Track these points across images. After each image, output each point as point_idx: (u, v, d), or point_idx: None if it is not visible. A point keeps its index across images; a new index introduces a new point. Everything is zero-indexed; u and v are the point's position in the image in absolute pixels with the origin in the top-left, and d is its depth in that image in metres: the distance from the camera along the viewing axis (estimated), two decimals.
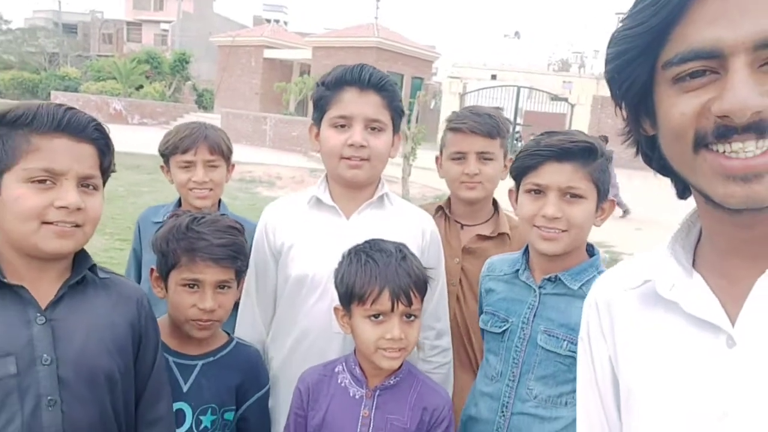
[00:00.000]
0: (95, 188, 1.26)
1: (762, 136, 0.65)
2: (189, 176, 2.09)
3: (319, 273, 1.68)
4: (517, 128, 25.09)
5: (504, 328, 1.59)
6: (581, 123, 24.86)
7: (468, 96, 25.43)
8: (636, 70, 0.74)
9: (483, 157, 1.98)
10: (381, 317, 1.42)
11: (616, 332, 0.88)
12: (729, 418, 0.71)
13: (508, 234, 2.04)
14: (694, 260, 0.82)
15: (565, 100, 26.53)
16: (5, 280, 1.20)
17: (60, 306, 1.25)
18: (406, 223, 1.77)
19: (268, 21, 45.20)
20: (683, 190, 0.81)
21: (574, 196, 1.48)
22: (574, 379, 1.44)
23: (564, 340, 1.48)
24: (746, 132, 0.65)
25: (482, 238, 2.03)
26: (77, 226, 1.21)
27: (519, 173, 1.57)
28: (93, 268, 1.33)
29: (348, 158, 1.65)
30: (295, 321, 1.72)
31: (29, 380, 1.18)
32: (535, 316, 1.54)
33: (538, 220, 1.49)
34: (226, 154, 2.17)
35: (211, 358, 1.63)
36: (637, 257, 0.92)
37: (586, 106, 25.15)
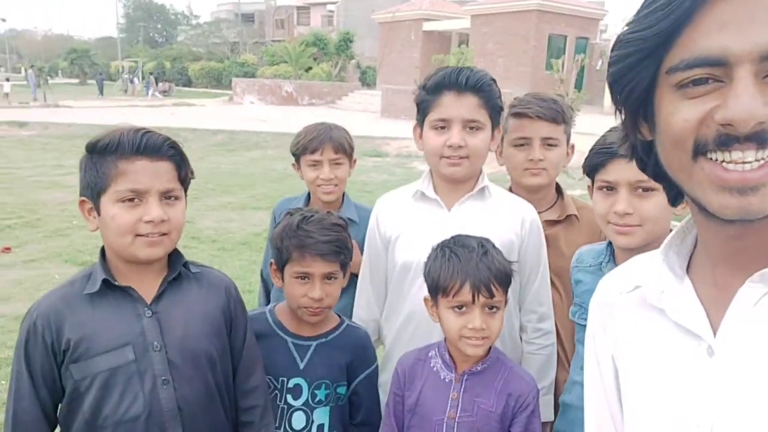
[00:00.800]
0: (177, 198, 1.44)
1: (762, 147, 0.65)
2: (317, 174, 2.28)
3: (422, 261, 1.76)
4: None
5: None
6: None
7: None
8: (639, 74, 0.73)
9: (547, 143, 1.95)
10: (463, 308, 1.49)
11: (616, 331, 0.90)
12: (706, 426, 0.72)
13: (576, 215, 2.00)
14: (689, 267, 0.82)
15: None
16: (116, 283, 1.43)
17: (162, 300, 1.47)
18: (506, 213, 1.82)
19: None
20: (675, 197, 0.82)
21: (646, 189, 1.45)
22: None
23: None
24: (747, 141, 0.65)
25: (551, 223, 1.99)
26: (164, 234, 1.41)
27: (590, 171, 1.57)
28: (186, 264, 1.54)
29: (448, 157, 1.74)
30: (402, 305, 1.85)
31: (145, 364, 1.42)
32: None
33: (612, 217, 1.49)
34: (348, 152, 2.33)
35: (324, 339, 1.79)
36: (634, 260, 0.93)
37: None
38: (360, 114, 24.88)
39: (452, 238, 1.59)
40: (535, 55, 26.63)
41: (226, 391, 1.56)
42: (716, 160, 0.67)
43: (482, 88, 1.72)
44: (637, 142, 0.81)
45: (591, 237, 1.94)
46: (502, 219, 1.80)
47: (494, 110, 1.77)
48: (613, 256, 1.61)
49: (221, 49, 50.92)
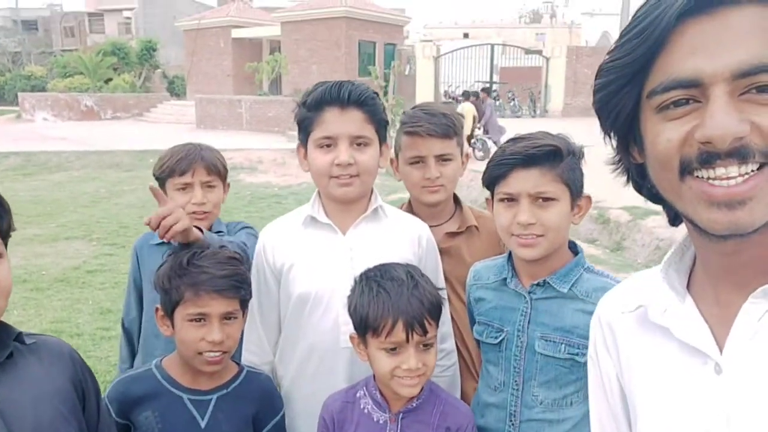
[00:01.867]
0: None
1: (744, 162, 0.67)
2: (187, 198, 2.04)
3: (321, 290, 1.68)
4: (494, 86, 24.99)
5: (500, 338, 1.57)
6: (557, 75, 24.80)
7: (442, 58, 25.18)
8: (622, 99, 0.76)
9: (442, 158, 1.94)
10: (397, 348, 1.39)
11: (620, 351, 0.90)
12: None
13: (475, 226, 2.02)
14: (689, 284, 0.84)
15: (539, 53, 26.38)
16: None
17: None
18: (402, 233, 1.77)
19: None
20: (675, 217, 0.83)
21: (546, 199, 1.47)
22: (576, 380, 1.47)
23: (561, 344, 1.48)
24: (729, 158, 0.68)
25: (451, 235, 2.00)
26: None
27: (490, 183, 1.57)
28: (19, 336, 1.22)
29: (337, 177, 1.65)
30: (301, 339, 1.72)
31: None
32: (529, 322, 1.53)
33: (514, 228, 1.49)
34: (222, 174, 2.12)
35: (225, 391, 1.59)
36: (633, 279, 0.95)
37: (561, 57, 25.02)
38: (173, 126, 23.50)
39: (377, 268, 1.49)
40: (348, 62, 27.24)
41: None
42: (702, 177, 0.70)
43: (366, 102, 1.66)
44: (631, 165, 0.83)
45: (491, 245, 1.95)
46: (399, 240, 1.75)
47: (380, 125, 1.71)
48: (514, 270, 1.60)
49: (0, 61, 45.12)
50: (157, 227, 1.51)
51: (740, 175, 0.68)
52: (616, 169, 0.86)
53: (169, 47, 39.12)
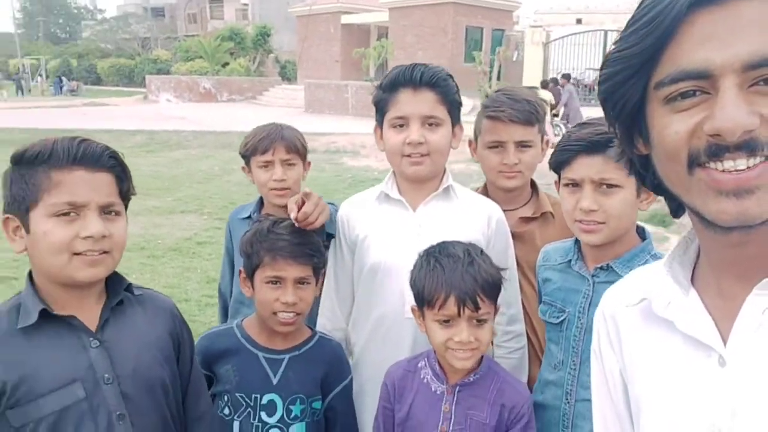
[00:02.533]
0: (117, 214, 1.31)
1: (753, 154, 0.66)
2: (269, 175, 2.18)
3: (390, 261, 1.76)
4: None
5: (561, 318, 1.60)
6: None
7: (552, 45, 24.35)
8: (629, 90, 0.75)
9: (521, 145, 1.95)
10: (450, 321, 1.45)
11: (623, 346, 0.90)
12: None
13: (551, 212, 2.01)
14: (693, 277, 0.83)
15: None
16: (55, 312, 1.27)
17: (107, 328, 1.34)
18: (472, 213, 1.81)
19: None
20: (677, 208, 0.82)
21: (610, 186, 1.47)
22: None
23: None
24: (737, 150, 0.67)
25: (526, 220, 2.01)
26: (105, 252, 1.26)
27: (556, 168, 1.59)
28: (129, 287, 1.40)
29: (408, 156, 1.71)
30: (372, 307, 1.81)
31: (98, 400, 1.27)
32: (590, 305, 1.54)
33: (577, 214, 1.50)
34: (301, 152, 2.24)
35: (297, 352, 1.72)
36: (637, 272, 0.95)
37: None
38: (283, 110, 24.46)
39: (438, 245, 1.55)
40: (454, 48, 27.05)
41: (178, 419, 1.46)
42: (710, 168, 0.69)
43: (438, 84, 1.71)
44: (635, 157, 0.82)
45: (565, 233, 1.94)
46: (468, 219, 1.79)
47: (453, 106, 1.76)
48: (580, 253, 1.62)
49: (131, 45, 48.68)
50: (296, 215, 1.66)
51: (748, 167, 0.67)
52: (620, 159, 0.86)
53: (282, 33, 40.53)
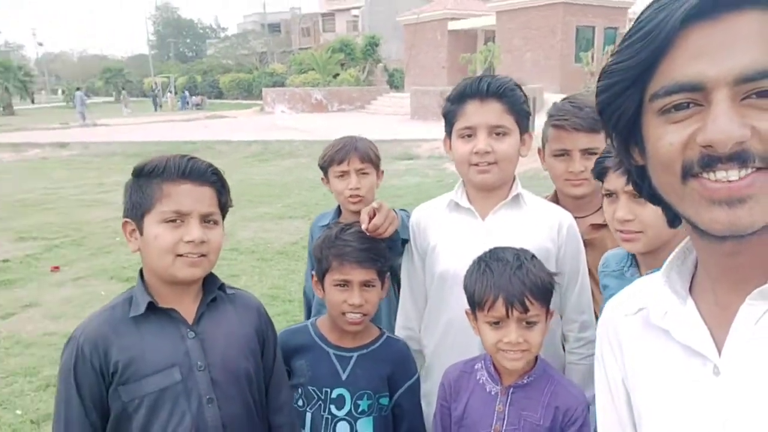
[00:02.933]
0: (215, 223, 1.49)
1: (744, 165, 0.68)
2: (345, 185, 2.30)
3: (459, 270, 1.77)
4: None
5: None
6: None
7: None
8: (625, 102, 0.77)
9: (587, 152, 1.93)
10: (499, 323, 1.49)
11: (624, 355, 0.91)
12: None
13: None
14: (691, 287, 0.84)
15: None
16: (160, 305, 1.48)
17: (202, 322, 1.53)
18: (541, 221, 1.81)
19: None
20: (674, 218, 0.83)
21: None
22: None
23: None
24: (729, 161, 0.68)
25: (596, 227, 1.98)
26: (203, 255, 1.45)
27: (598, 177, 1.62)
28: (222, 286, 1.59)
29: (476, 164, 1.75)
30: (440, 315, 1.87)
31: (191, 384, 1.46)
32: None
33: (616, 224, 1.55)
34: (375, 162, 2.35)
35: (365, 351, 1.82)
36: (636, 282, 0.96)
37: None
38: (390, 117, 24.93)
39: (490, 251, 1.59)
40: (564, 48, 26.27)
41: (261, 408, 1.62)
42: (703, 177, 0.71)
43: (505, 94, 1.73)
44: (631, 167, 0.84)
45: None
46: (538, 227, 1.80)
47: (520, 115, 1.77)
48: (635, 260, 1.62)
49: (250, 60, 51.66)
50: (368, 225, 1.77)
51: (740, 179, 0.68)
52: (617, 169, 0.87)
53: (391, 42, 41.26)
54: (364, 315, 1.77)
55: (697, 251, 0.83)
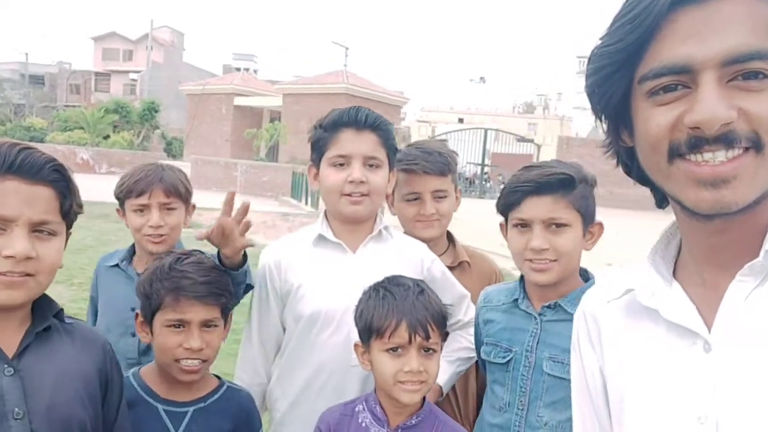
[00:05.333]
0: (52, 234, 1.16)
1: (731, 147, 0.70)
2: (144, 221, 1.98)
3: (332, 308, 1.69)
4: (486, 169, 25.56)
5: (508, 357, 1.59)
6: None
7: (437, 139, 25.83)
8: (614, 85, 0.78)
9: (437, 195, 2.01)
10: (399, 350, 1.41)
11: (603, 342, 0.91)
12: (708, 421, 0.74)
13: (467, 262, 2.07)
14: (674, 270, 0.86)
15: (531, 141, 27.15)
16: None
17: (27, 355, 1.17)
18: (408, 254, 1.81)
19: (238, 69, 45.72)
20: (661, 199, 0.85)
21: (559, 225, 1.51)
22: None
23: (569, 365, 1.48)
24: (716, 143, 0.70)
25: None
26: (29, 275, 1.12)
27: (504, 209, 1.62)
28: (59, 314, 1.26)
29: (349, 195, 1.69)
30: (308, 357, 1.71)
31: None
32: (538, 343, 1.55)
33: (528, 254, 1.53)
34: (184, 196, 2.05)
35: (202, 404, 1.56)
36: (618, 270, 0.96)
37: (552, 146, 25.74)
38: None
39: (386, 278, 1.52)
40: None
41: None
42: (690, 160, 0.73)
43: (380, 127, 1.73)
44: (620, 149, 0.86)
45: (482, 282, 1.99)
46: (405, 260, 1.78)
47: (391, 150, 1.78)
48: (526, 293, 1.64)
49: (2, 111, 45.76)
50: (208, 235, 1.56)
51: (727, 160, 0.70)
52: (607, 151, 0.89)
53: (171, 110, 39.98)
54: (204, 361, 1.53)
55: (682, 233, 0.84)
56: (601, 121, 0.85)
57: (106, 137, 32.32)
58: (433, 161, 1.98)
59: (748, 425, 0.71)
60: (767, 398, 0.70)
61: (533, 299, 1.61)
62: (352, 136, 1.70)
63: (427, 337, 1.41)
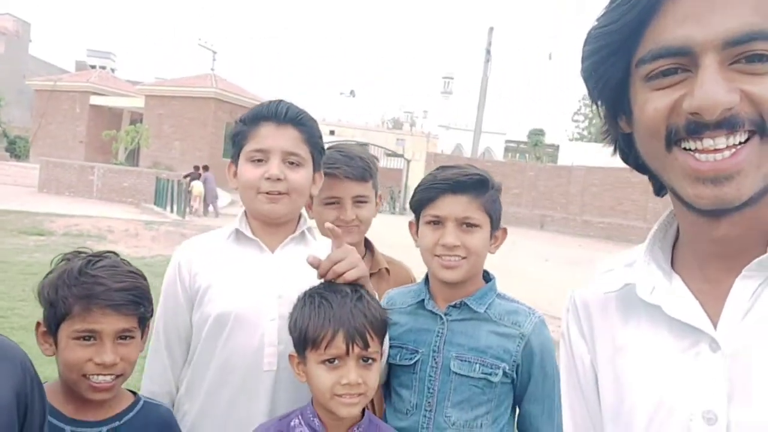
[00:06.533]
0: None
1: (732, 132, 0.66)
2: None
3: (244, 309, 1.55)
4: None
5: (415, 359, 1.58)
6: (417, 177, 26.34)
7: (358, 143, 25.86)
8: (611, 68, 0.75)
9: (358, 200, 1.97)
10: (336, 362, 1.32)
11: (595, 335, 0.88)
12: (718, 421, 0.71)
13: (387, 269, 2.06)
14: (672, 261, 0.82)
15: (401, 156, 27.98)
16: None
17: None
18: None
19: (93, 67, 42.73)
20: (660, 188, 0.81)
21: (471, 225, 1.54)
22: (488, 401, 1.50)
23: (476, 363, 1.51)
24: (717, 129, 0.66)
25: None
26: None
27: (418, 206, 1.62)
28: None
29: (266, 192, 1.58)
30: (215, 361, 1.56)
31: None
32: (444, 343, 1.55)
33: (438, 249, 1.54)
34: None
35: (117, 423, 1.37)
36: (613, 260, 0.92)
37: (421, 161, 26.76)
38: (11, 188, 21.54)
39: (321, 284, 1.42)
40: (214, 141, 26.96)
41: None
42: (688, 149, 0.69)
43: (303, 122, 1.62)
44: (618, 135, 0.82)
45: None
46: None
47: (315, 149, 1.67)
48: (431, 294, 1.63)
49: None
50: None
51: (727, 148, 0.66)
52: (605, 138, 0.85)
53: (13, 107, 36.32)
54: (118, 376, 1.35)
55: (681, 223, 0.80)
56: (598, 106, 0.80)
57: None
58: (354, 166, 1.93)
59: (760, 427, 0.68)
60: None
61: (438, 300, 1.61)
62: (272, 130, 1.59)
63: (366, 347, 1.33)
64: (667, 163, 0.71)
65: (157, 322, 1.62)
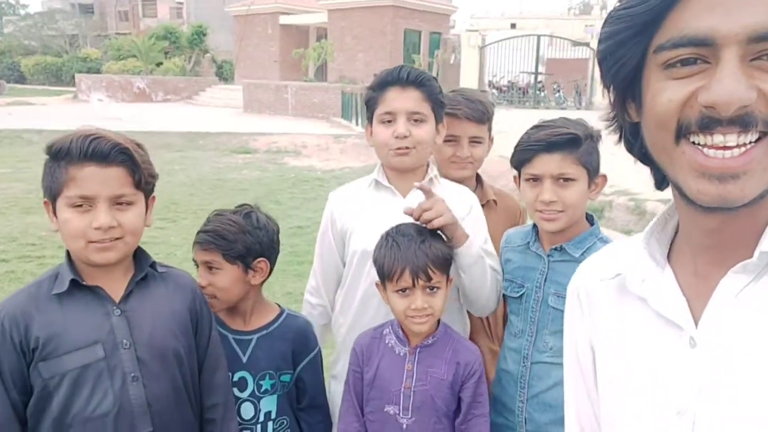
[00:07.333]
0: (130, 204, 1.43)
1: (745, 130, 0.65)
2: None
3: None
4: (540, 78, 24.77)
5: (521, 292, 1.82)
6: None
7: (488, 48, 25.04)
8: (628, 52, 0.73)
9: (474, 140, 2.17)
10: (407, 291, 1.64)
11: (594, 319, 0.90)
12: (687, 415, 0.73)
13: (494, 200, 2.26)
14: (670, 254, 0.83)
15: (587, 44, 25.92)
16: (84, 283, 1.45)
17: (130, 299, 1.50)
18: (455, 199, 1.94)
19: None
20: (662, 180, 0.81)
21: (567, 179, 1.69)
22: None
23: None
24: (730, 125, 0.65)
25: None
26: (117, 238, 1.41)
27: (517, 165, 1.79)
28: (153, 264, 1.58)
29: (396, 149, 1.87)
30: (360, 289, 1.96)
31: (115, 361, 1.44)
32: (545, 281, 1.77)
33: (538, 205, 1.72)
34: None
35: (265, 332, 1.85)
36: (614, 246, 0.95)
37: None
38: (222, 110, 24.20)
39: (395, 227, 1.73)
40: (393, 50, 27.37)
41: (192, 388, 1.60)
42: (698, 144, 0.68)
43: (423, 83, 1.88)
44: (625, 123, 0.81)
45: (508, 219, 2.21)
46: (453, 205, 1.90)
47: (436, 104, 1.91)
48: (538, 236, 1.84)
49: (58, 43, 46.68)
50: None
51: (737, 146, 0.65)
52: (610, 125, 0.84)
53: (219, 33, 39.89)
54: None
55: (681, 217, 0.80)
56: (608, 90, 0.79)
57: (159, 64, 32.80)
58: (474, 108, 2.14)
59: (725, 423, 0.70)
60: (748, 399, 0.69)
61: (543, 242, 1.81)
62: (397, 93, 1.86)
63: (429, 279, 1.63)
64: (674, 156, 0.70)
65: (316, 255, 2.09)
